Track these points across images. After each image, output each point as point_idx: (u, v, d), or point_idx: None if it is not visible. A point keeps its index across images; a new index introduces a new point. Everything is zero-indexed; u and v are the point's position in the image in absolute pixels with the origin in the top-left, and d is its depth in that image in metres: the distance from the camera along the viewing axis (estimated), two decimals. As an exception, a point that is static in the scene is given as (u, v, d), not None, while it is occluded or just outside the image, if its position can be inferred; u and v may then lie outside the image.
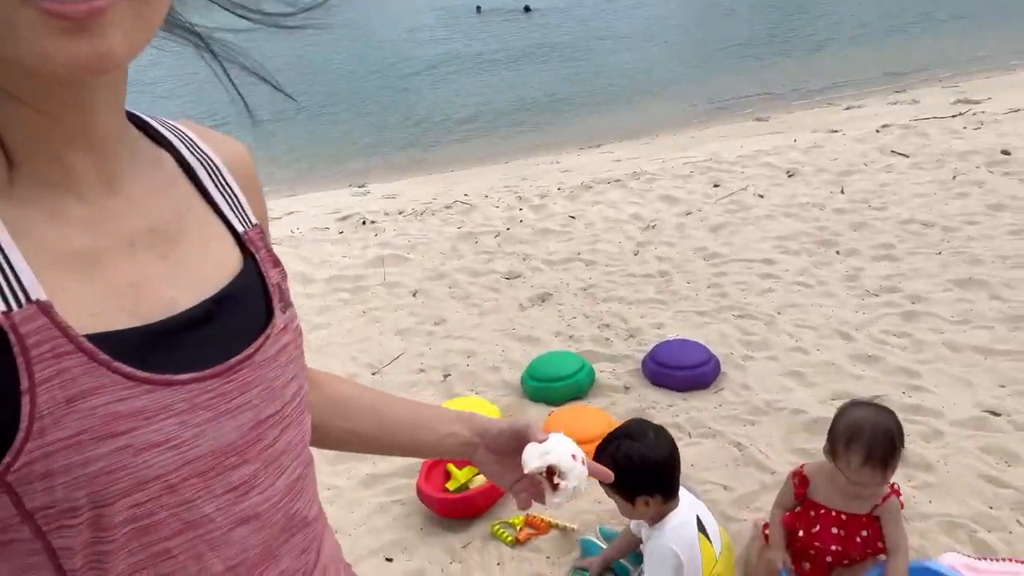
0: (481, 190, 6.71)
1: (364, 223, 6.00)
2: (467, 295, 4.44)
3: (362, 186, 7.96)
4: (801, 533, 2.06)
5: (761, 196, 5.41)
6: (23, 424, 0.48)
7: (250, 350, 0.62)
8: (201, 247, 0.63)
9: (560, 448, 0.88)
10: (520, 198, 6.16)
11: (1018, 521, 2.35)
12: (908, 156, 5.78)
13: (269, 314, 0.66)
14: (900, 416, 2.81)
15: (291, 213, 6.74)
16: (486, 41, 17.11)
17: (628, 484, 1.96)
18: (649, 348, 3.50)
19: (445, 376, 3.57)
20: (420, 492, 2.64)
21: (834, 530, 2.02)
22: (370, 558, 2.54)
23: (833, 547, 2.01)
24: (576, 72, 12.91)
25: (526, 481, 0.93)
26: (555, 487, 0.88)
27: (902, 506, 2.02)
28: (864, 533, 2.01)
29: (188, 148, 0.67)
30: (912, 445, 2.65)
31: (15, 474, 0.49)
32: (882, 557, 2.01)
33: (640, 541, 2.19)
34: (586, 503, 2.62)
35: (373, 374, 3.68)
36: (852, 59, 11.41)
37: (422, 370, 3.66)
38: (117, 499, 0.52)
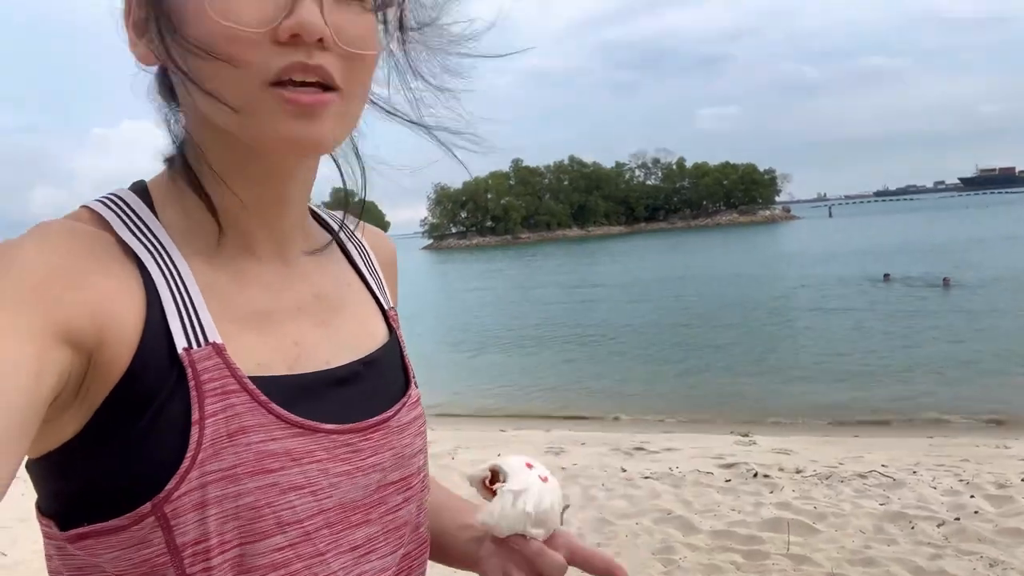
0: (904, 463, 5.45)
1: (755, 475, 5.14)
2: (911, 599, 3.26)
3: (746, 435, 7.14)
4: None
5: None
6: (190, 453, 0.52)
7: (388, 414, 0.64)
8: (356, 318, 0.68)
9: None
10: (966, 482, 4.79)
11: None
12: None
13: (406, 386, 0.69)
14: None
15: (669, 450, 6.18)
16: (893, 310, 15.53)
17: None
18: None
19: None
20: None
21: None
22: None
23: None
24: (1006, 351, 10.75)
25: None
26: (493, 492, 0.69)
27: None
28: None
29: (346, 235, 0.75)
30: None
31: (174, 503, 0.51)
32: None
33: None
34: None
35: None
36: None
37: None
38: (261, 539, 0.54)
